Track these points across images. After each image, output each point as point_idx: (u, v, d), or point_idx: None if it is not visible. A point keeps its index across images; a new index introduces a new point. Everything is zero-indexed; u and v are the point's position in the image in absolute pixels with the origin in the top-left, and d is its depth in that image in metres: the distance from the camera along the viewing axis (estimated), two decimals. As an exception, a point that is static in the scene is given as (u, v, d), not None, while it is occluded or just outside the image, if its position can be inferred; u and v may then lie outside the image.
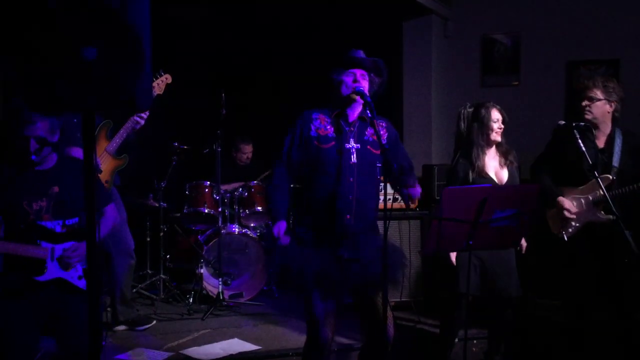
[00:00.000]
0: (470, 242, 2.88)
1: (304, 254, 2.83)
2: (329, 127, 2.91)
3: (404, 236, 4.79)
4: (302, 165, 2.94)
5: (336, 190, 2.84)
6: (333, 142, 2.88)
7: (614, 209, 3.27)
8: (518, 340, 4.01)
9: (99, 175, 4.00)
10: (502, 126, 3.56)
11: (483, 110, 3.56)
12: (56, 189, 2.97)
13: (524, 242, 3.58)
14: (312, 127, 2.90)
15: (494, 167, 3.59)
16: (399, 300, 4.72)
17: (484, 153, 3.55)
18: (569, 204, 3.60)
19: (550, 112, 5.80)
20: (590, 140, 3.58)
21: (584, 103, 3.59)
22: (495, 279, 3.49)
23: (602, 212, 3.56)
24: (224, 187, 5.46)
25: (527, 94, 6.10)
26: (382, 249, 2.74)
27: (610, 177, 3.50)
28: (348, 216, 2.85)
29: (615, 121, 3.63)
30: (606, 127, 3.62)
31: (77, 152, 3.92)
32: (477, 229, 2.82)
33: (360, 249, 2.85)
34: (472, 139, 3.56)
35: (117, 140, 4.09)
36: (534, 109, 6.02)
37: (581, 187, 3.61)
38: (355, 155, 2.88)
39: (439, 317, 3.86)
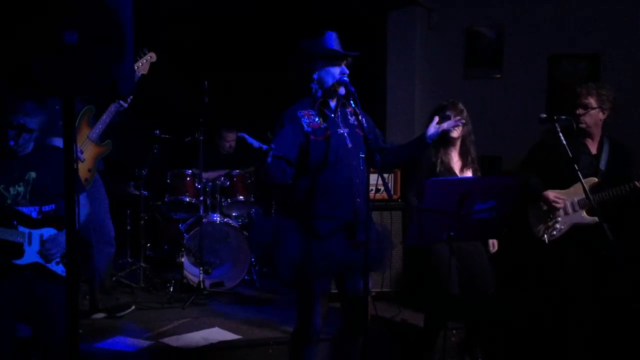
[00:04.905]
0: (452, 234, 2.91)
1: (315, 246, 2.82)
2: (316, 119, 2.92)
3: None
4: (308, 160, 2.88)
5: (345, 175, 2.86)
6: (328, 132, 2.89)
7: (594, 204, 3.31)
8: (498, 332, 4.07)
9: (82, 163, 3.95)
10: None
11: (438, 108, 3.65)
12: (33, 175, 2.95)
13: (495, 243, 3.74)
14: (304, 124, 2.88)
15: (459, 166, 3.69)
16: (379, 290, 4.75)
17: (448, 148, 3.65)
18: (554, 194, 3.64)
19: (532, 105, 5.85)
20: (583, 145, 3.64)
21: (579, 111, 3.59)
22: (472, 277, 3.55)
23: (586, 214, 3.61)
24: (207, 175, 5.44)
25: (509, 87, 6.14)
26: (377, 233, 2.85)
27: (596, 179, 3.58)
28: (359, 199, 2.88)
29: (605, 127, 3.67)
30: (597, 134, 3.66)
31: (59, 143, 3.85)
32: (459, 221, 2.85)
33: (369, 232, 2.83)
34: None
35: (100, 126, 4.03)
36: (516, 102, 6.07)
37: (567, 190, 3.65)
38: (348, 139, 2.92)
39: (423, 311, 3.91)
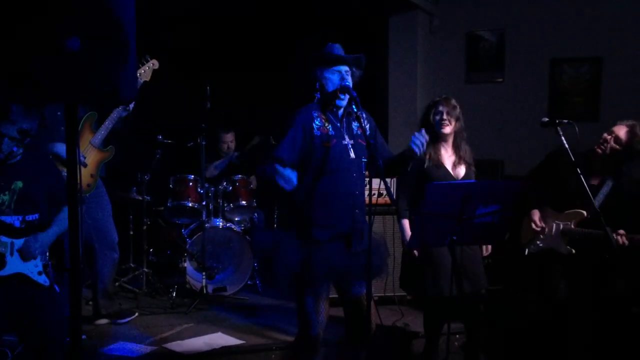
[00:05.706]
0: (454, 238, 2.90)
1: (314, 252, 2.83)
2: (327, 124, 2.91)
3: (388, 231, 4.79)
4: (309, 164, 2.89)
5: (345, 186, 2.88)
6: (335, 140, 2.89)
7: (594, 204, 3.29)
8: (499, 333, 4.06)
9: (84, 169, 3.95)
10: (445, 118, 3.54)
11: (431, 104, 3.63)
12: (20, 184, 2.92)
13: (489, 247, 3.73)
14: (314, 127, 2.88)
15: (451, 161, 3.65)
16: (382, 295, 4.74)
17: (439, 144, 3.60)
18: (538, 217, 3.61)
19: (533, 109, 5.86)
20: (586, 174, 3.46)
21: (607, 135, 3.50)
22: (465, 277, 3.54)
23: (565, 244, 3.57)
24: (211, 169, 5.57)
25: (511, 91, 6.15)
26: (373, 241, 2.81)
27: (584, 213, 3.50)
28: (357, 210, 2.91)
29: (617, 168, 3.52)
30: (606, 170, 3.54)
31: (61, 148, 3.84)
32: (461, 225, 2.84)
33: (366, 241, 2.84)
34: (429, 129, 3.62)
35: (103, 132, 4.03)
36: (518, 106, 6.07)
37: (557, 213, 3.61)
38: (352, 151, 2.92)
39: (422, 313, 3.91)
